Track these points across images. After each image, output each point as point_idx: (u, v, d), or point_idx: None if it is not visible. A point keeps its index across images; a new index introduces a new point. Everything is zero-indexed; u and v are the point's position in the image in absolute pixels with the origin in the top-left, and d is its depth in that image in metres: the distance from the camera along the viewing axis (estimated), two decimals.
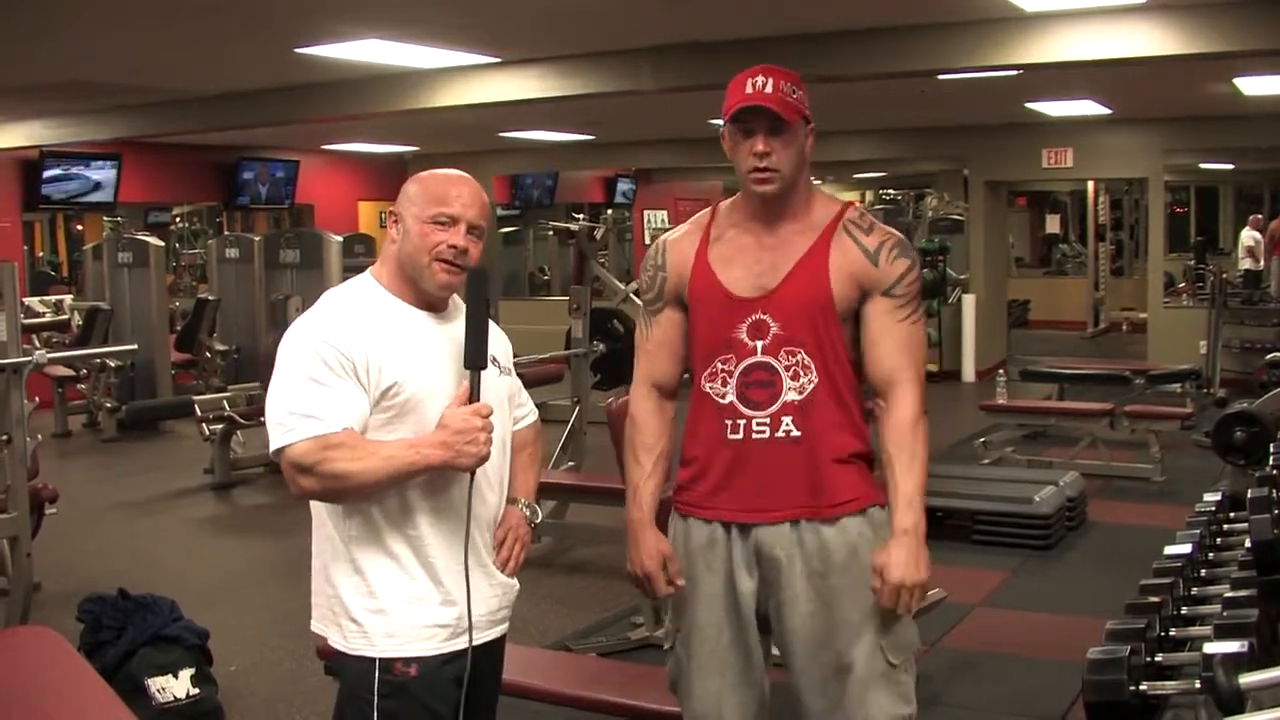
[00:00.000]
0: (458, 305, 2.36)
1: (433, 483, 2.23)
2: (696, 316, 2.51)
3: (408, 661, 2.22)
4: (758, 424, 2.42)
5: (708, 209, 2.59)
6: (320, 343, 2.17)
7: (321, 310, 2.26)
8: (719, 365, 2.45)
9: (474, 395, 2.22)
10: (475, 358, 2.24)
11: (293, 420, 2.14)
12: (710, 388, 2.46)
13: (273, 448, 2.17)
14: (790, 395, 2.41)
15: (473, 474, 2.24)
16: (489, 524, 2.35)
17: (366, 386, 2.18)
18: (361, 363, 2.17)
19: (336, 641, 2.28)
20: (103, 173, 12.79)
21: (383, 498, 2.21)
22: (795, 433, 2.41)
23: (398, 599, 2.23)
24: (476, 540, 2.30)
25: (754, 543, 2.45)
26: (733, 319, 2.44)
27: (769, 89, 2.37)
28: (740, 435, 2.43)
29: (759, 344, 2.42)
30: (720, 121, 2.45)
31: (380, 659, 2.22)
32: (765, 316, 2.42)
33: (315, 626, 2.33)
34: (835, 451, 2.43)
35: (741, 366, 2.43)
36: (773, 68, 2.41)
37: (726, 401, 2.44)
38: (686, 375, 2.59)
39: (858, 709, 2.42)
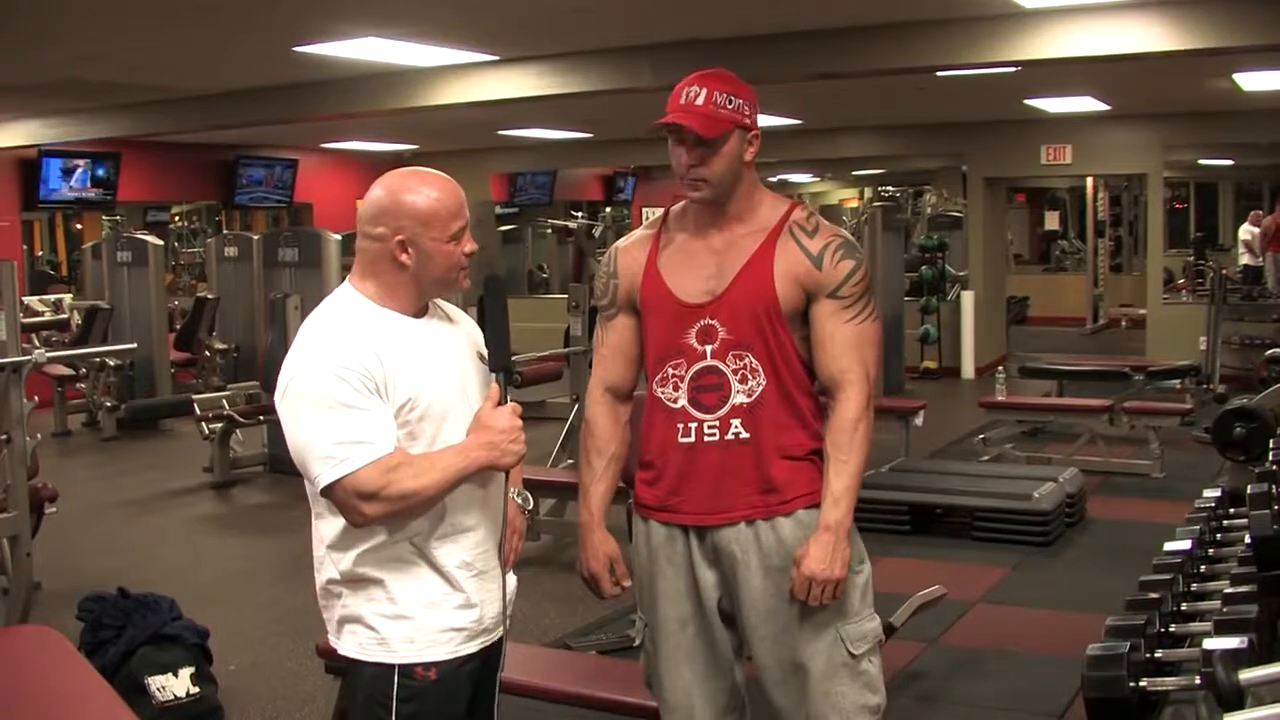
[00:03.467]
0: (436, 303, 2.36)
1: (456, 489, 2.23)
2: (648, 322, 2.54)
3: (428, 666, 2.22)
4: (708, 427, 2.45)
5: (659, 214, 2.62)
6: (339, 368, 2.13)
7: (323, 336, 2.20)
8: (670, 370, 2.48)
9: (504, 396, 2.25)
10: (500, 360, 2.28)
11: (343, 450, 2.10)
12: (662, 393, 2.50)
13: (325, 482, 2.12)
14: (739, 398, 2.44)
15: (508, 473, 2.28)
16: (499, 525, 2.34)
17: (387, 404, 2.16)
18: (380, 380, 2.15)
19: (349, 650, 2.26)
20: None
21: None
22: (744, 434, 2.44)
23: (417, 603, 2.21)
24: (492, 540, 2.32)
25: (711, 543, 2.49)
26: (682, 325, 2.47)
27: (700, 100, 2.40)
28: (692, 439, 2.46)
29: (708, 348, 2.45)
30: None
31: (400, 664, 2.21)
32: (713, 321, 2.45)
33: (332, 640, 2.31)
34: (785, 451, 2.45)
35: (692, 371, 2.46)
36: (713, 74, 2.44)
37: (678, 406, 2.47)
38: None
39: (823, 701, 2.45)
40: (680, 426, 2.47)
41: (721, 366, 2.44)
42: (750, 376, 2.44)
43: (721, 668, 2.54)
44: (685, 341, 2.46)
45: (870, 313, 2.47)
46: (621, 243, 2.66)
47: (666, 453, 2.50)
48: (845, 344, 2.44)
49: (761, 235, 2.47)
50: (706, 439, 2.45)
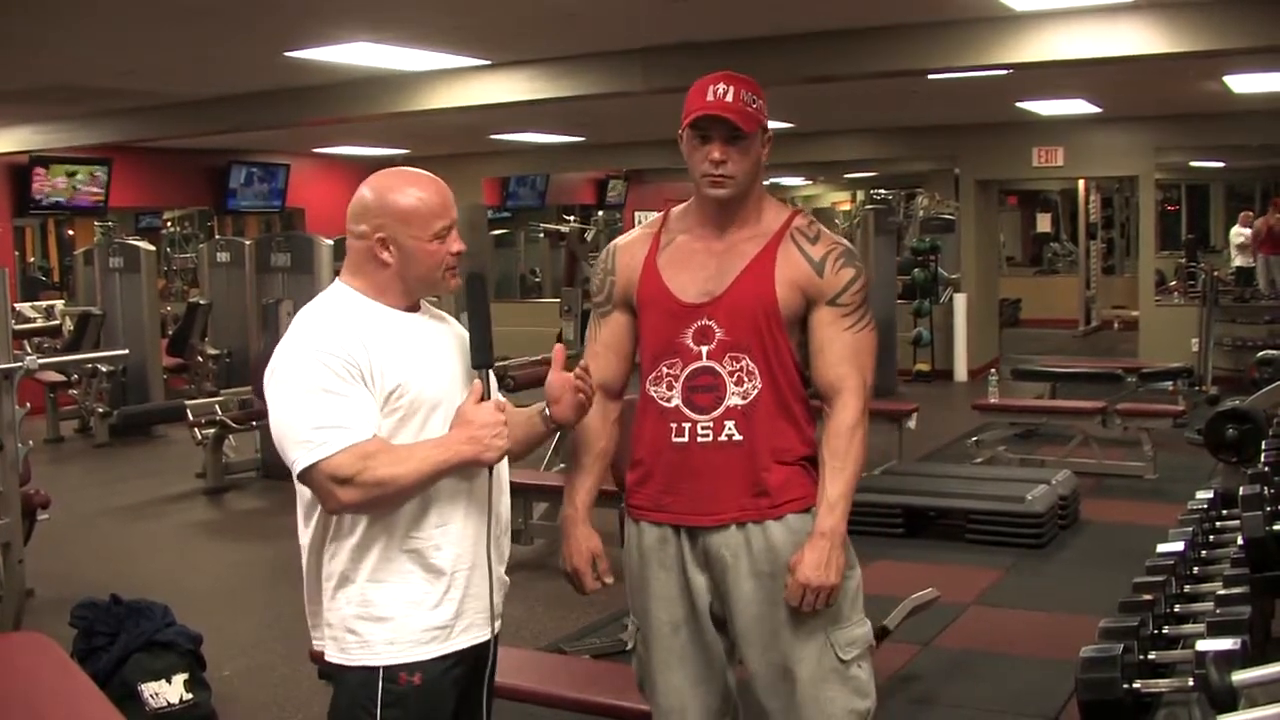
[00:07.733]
0: (426, 304, 2.36)
1: (440, 483, 2.22)
2: (644, 321, 2.55)
3: (411, 670, 2.20)
4: (702, 428, 2.45)
5: (660, 215, 2.63)
6: (324, 354, 2.13)
7: (311, 325, 2.21)
8: (664, 369, 2.49)
9: (486, 392, 2.24)
10: (482, 356, 2.28)
11: (321, 435, 2.10)
12: (655, 391, 2.50)
13: (302, 465, 2.11)
14: (733, 400, 2.44)
15: (492, 469, 2.26)
16: (485, 519, 2.32)
17: (373, 392, 2.16)
18: (366, 368, 2.15)
19: (334, 655, 2.24)
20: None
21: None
22: (737, 436, 2.44)
23: (398, 604, 2.19)
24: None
25: (702, 546, 2.49)
26: (679, 324, 2.47)
27: (730, 97, 2.40)
28: (685, 439, 2.46)
29: (704, 349, 2.46)
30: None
31: (384, 668, 2.19)
32: (710, 322, 2.45)
33: (316, 644, 2.30)
34: (778, 455, 2.46)
35: (687, 371, 2.46)
36: (734, 75, 2.44)
37: (672, 405, 2.48)
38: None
39: (812, 706, 2.45)
40: (674, 426, 2.47)
41: (717, 368, 2.44)
42: (746, 379, 2.44)
43: (714, 671, 2.54)
44: (681, 341, 2.47)
45: (867, 322, 2.50)
46: (620, 240, 2.66)
47: (659, 452, 2.50)
48: (843, 351, 2.46)
49: (763, 240, 2.48)
50: (700, 440, 2.45)
